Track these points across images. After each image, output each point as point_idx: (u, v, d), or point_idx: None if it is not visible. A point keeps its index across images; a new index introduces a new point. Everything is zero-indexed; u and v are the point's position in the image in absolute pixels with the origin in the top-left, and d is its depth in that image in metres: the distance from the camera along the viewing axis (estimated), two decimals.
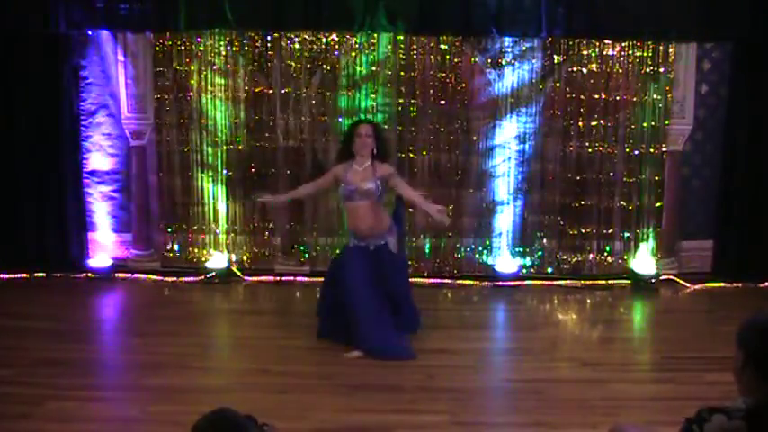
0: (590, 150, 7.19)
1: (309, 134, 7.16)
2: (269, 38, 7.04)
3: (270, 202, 6.41)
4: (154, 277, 7.27)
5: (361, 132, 5.51)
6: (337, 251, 6.35)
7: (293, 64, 7.05)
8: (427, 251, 7.34)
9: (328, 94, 7.10)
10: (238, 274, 7.28)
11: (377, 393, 4.90)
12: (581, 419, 4.53)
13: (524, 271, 7.32)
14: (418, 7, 6.86)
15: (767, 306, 6.48)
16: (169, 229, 7.36)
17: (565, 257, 7.36)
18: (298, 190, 6.12)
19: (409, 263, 6.47)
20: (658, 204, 7.30)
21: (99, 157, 7.27)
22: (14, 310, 6.33)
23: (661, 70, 7.07)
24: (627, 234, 7.32)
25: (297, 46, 7.05)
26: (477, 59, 7.09)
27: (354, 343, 5.41)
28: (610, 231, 7.32)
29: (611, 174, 7.23)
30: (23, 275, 7.18)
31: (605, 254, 7.35)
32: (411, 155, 7.17)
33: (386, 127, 7.09)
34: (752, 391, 2.37)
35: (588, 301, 6.98)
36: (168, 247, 7.38)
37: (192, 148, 7.20)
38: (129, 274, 7.29)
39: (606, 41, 7.04)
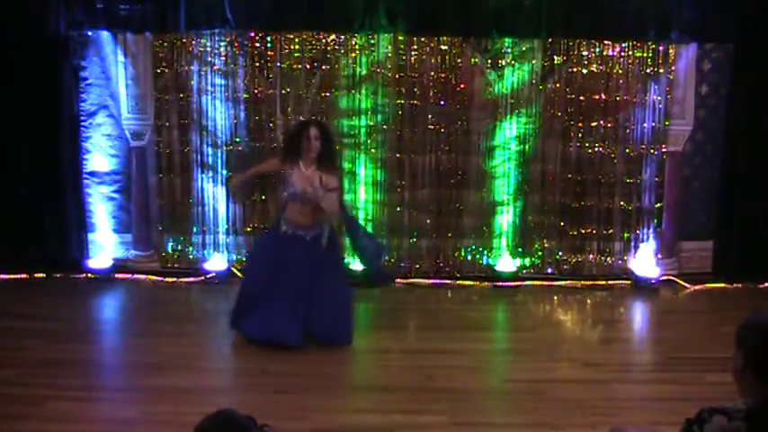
0: (590, 151, 7.18)
1: None
2: (269, 38, 7.04)
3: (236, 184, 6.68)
4: (154, 278, 7.26)
5: (310, 135, 5.50)
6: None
7: (293, 64, 7.05)
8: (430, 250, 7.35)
9: (328, 94, 7.10)
10: (238, 274, 7.28)
11: (377, 393, 4.91)
12: (581, 420, 4.54)
13: (524, 271, 7.32)
14: (418, 7, 6.86)
15: (767, 306, 6.49)
16: (169, 230, 7.35)
17: (565, 258, 7.36)
18: (246, 173, 6.41)
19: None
20: (658, 205, 7.30)
21: (99, 158, 7.26)
22: (14, 310, 6.33)
23: (661, 71, 7.06)
24: (627, 234, 7.31)
25: (297, 46, 7.05)
26: (477, 60, 7.09)
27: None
28: (610, 232, 7.31)
29: (612, 174, 7.22)
30: (23, 275, 7.17)
31: (605, 254, 7.35)
32: (411, 155, 7.17)
33: (386, 127, 7.11)
34: (751, 393, 2.37)
35: (588, 301, 6.98)
36: (168, 248, 7.38)
37: (191, 149, 7.20)
38: (129, 275, 7.28)
39: (606, 42, 7.03)
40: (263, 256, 5.77)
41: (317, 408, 4.66)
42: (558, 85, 7.10)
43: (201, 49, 7.04)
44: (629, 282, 7.24)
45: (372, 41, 7.02)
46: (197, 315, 6.52)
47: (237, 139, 7.16)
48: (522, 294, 7.04)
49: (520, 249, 7.32)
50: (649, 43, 7.00)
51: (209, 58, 7.06)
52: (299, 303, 5.44)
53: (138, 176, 7.28)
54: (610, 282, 7.27)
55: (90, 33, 7.04)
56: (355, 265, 6.68)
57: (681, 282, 7.27)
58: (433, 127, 7.13)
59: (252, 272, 5.90)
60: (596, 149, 7.18)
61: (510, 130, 7.15)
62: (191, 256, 7.37)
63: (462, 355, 5.55)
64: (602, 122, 7.13)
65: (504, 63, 7.06)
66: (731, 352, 2.47)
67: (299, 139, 5.57)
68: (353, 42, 7.02)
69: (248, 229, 7.32)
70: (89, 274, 7.21)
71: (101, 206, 7.32)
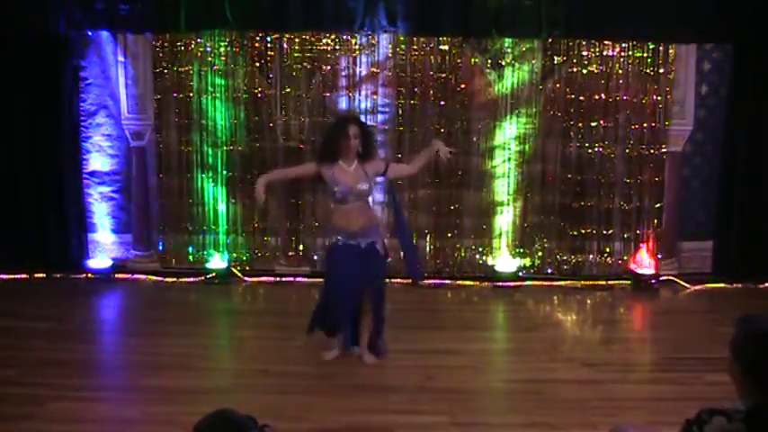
0: (590, 151, 7.18)
1: (309, 134, 7.16)
2: (269, 38, 7.04)
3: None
4: (154, 278, 7.27)
5: (350, 133, 5.14)
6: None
7: (293, 64, 7.06)
8: (429, 248, 7.35)
9: (328, 94, 7.10)
10: (238, 274, 7.29)
11: (377, 393, 4.90)
12: (581, 420, 4.54)
13: (524, 271, 7.32)
14: (418, 7, 6.87)
15: (767, 306, 6.49)
16: (169, 230, 7.35)
17: (565, 258, 7.36)
18: (274, 172, 5.90)
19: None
20: (658, 205, 7.30)
21: (99, 158, 7.27)
22: (14, 310, 6.33)
23: (661, 71, 7.07)
24: (627, 235, 7.31)
25: (297, 46, 7.05)
26: (477, 60, 7.09)
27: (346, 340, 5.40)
28: (610, 232, 7.31)
29: (612, 174, 7.22)
30: (23, 275, 7.18)
31: (605, 254, 7.35)
32: (411, 155, 7.15)
33: (386, 127, 7.13)
34: (751, 399, 2.36)
35: (588, 301, 6.98)
36: (168, 248, 7.38)
37: (191, 149, 7.20)
38: (129, 275, 7.28)
39: (606, 42, 7.04)
40: (336, 270, 5.27)
41: (317, 408, 4.65)
42: (558, 85, 7.11)
43: (201, 49, 7.05)
44: (629, 282, 7.24)
45: (372, 41, 7.02)
46: (197, 315, 6.51)
47: (236, 140, 7.16)
48: (522, 294, 7.04)
49: (520, 249, 7.33)
50: (649, 43, 7.00)
51: (210, 58, 7.06)
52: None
53: (138, 176, 7.29)
54: (610, 282, 7.27)
55: (90, 33, 7.05)
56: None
57: (681, 282, 7.27)
58: (432, 127, 7.13)
59: (331, 286, 5.31)
60: (596, 149, 7.19)
61: (510, 130, 7.15)
62: (191, 257, 7.37)
63: (462, 355, 5.55)
64: (602, 122, 7.14)
65: (504, 63, 7.06)
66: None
67: (338, 138, 5.19)
68: (353, 42, 7.02)
69: (248, 230, 7.33)
70: (89, 274, 7.21)
71: (101, 206, 7.33)
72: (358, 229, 5.16)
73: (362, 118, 7.05)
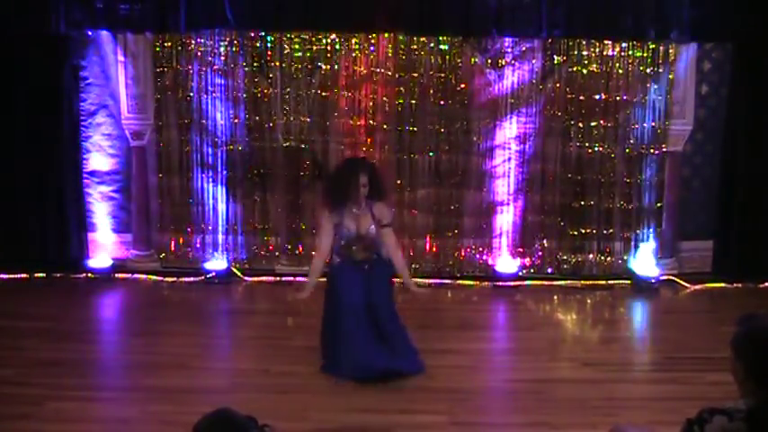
0: (590, 151, 7.18)
1: (309, 134, 7.16)
2: (269, 38, 7.04)
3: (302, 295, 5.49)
4: (154, 277, 7.26)
5: (360, 183, 5.11)
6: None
7: (293, 64, 7.05)
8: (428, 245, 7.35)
9: (328, 94, 7.10)
10: (238, 274, 7.28)
11: (377, 393, 4.90)
12: (581, 419, 4.54)
13: (524, 271, 7.31)
14: (418, 7, 6.85)
15: (765, 307, 6.49)
16: (169, 230, 7.34)
17: (565, 258, 7.35)
18: (316, 265, 5.41)
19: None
20: (658, 205, 7.30)
21: (99, 158, 7.27)
22: (14, 310, 6.33)
23: (661, 71, 7.06)
24: (627, 234, 7.31)
25: (297, 46, 7.05)
26: (477, 60, 7.09)
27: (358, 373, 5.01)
28: (610, 232, 7.31)
29: (612, 174, 7.22)
30: (23, 275, 7.17)
31: (605, 254, 7.35)
32: (411, 155, 7.17)
33: (385, 126, 7.12)
34: (755, 398, 2.36)
35: (588, 301, 6.98)
36: (168, 248, 7.37)
37: (191, 149, 7.20)
38: (129, 275, 7.28)
39: (606, 41, 7.03)
40: (338, 294, 5.19)
41: (317, 408, 4.66)
42: (558, 85, 7.10)
43: (201, 48, 7.04)
44: (629, 282, 7.23)
45: (372, 41, 7.01)
46: (197, 315, 6.51)
47: (236, 139, 7.16)
48: (522, 294, 7.04)
49: (520, 249, 7.32)
50: (649, 43, 7.00)
51: (209, 58, 7.06)
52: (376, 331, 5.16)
53: (138, 176, 7.28)
54: (610, 282, 7.27)
55: (90, 33, 7.05)
56: None
57: (681, 282, 7.26)
58: (432, 127, 7.13)
59: (334, 312, 5.21)
60: (596, 149, 7.18)
61: (510, 130, 7.15)
62: (191, 256, 7.37)
63: (462, 354, 5.55)
64: (602, 122, 7.13)
65: (504, 63, 7.06)
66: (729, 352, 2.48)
67: (347, 185, 5.15)
68: (353, 42, 7.02)
69: (248, 229, 7.32)
70: (89, 274, 7.21)
71: (101, 206, 7.32)
72: (362, 258, 5.22)
73: (362, 118, 7.09)
